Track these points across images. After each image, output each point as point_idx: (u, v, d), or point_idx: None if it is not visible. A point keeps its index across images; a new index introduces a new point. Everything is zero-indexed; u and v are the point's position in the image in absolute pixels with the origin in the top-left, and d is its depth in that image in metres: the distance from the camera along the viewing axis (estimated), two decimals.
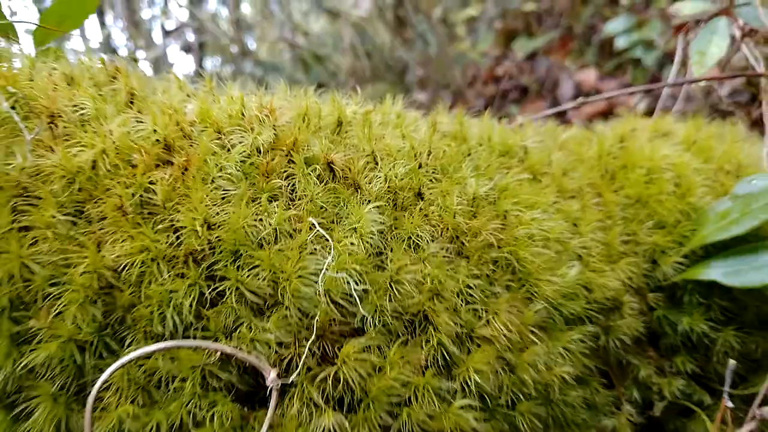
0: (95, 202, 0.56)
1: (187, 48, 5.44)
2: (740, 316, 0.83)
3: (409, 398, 0.55)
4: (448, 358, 0.58)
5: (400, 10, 5.63)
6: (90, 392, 0.48)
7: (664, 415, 0.86)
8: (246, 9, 6.86)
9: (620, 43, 3.20)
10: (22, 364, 0.52)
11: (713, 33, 1.15)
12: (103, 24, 5.23)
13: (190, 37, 5.56)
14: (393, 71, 5.90)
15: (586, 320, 0.73)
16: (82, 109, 0.64)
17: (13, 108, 0.59)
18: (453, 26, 5.89)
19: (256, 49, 6.61)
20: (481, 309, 0.61)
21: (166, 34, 5.17)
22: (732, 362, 0.73)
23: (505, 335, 0.61)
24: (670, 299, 0.84)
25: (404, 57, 5.93)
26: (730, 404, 0.73)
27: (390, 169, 0.67)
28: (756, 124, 1.20)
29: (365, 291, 0.57)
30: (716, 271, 0.78)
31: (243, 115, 0.69)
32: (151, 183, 0.57)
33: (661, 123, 1.03)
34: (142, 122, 0.64)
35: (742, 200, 0.80)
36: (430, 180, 0.70)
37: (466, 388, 0.58)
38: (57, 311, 0.52)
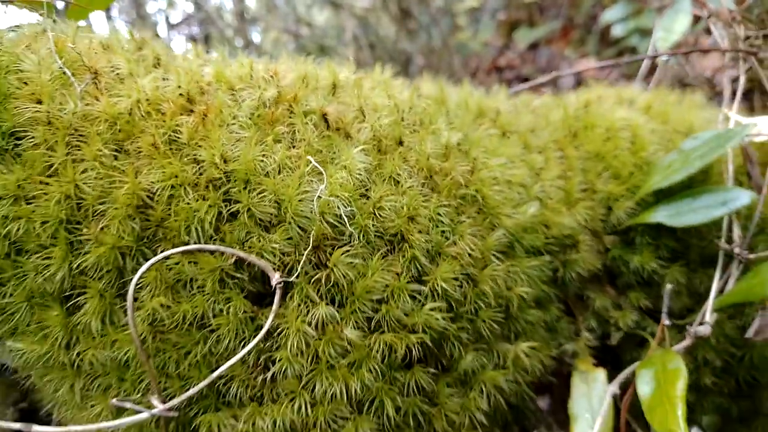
0: (132, 141, 0.70)
1: (192, 40, 5.57)
2: (685, 254, 0.96)
3: (388, 298, 0.68)
4: (420, 268, 0.71)
5: (403, 2, 5.72)
6: (130, 286, 0.62)
7: (622, 345, 0.99)
8: (250, 1, 6.96)
9: (617, 31, 3.30)
10: (76, 266, 0.65)
11: (677, 12, 1.27)
12: (109, 17, 5.36)
13: (195, 29, 5.67)
14: (396, 62, 6.00)
15: (545, 253, 0.86)
16: (118, 69, 0.77)
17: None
18: (455, 16, 5.97)
19: (261, 41, 6.71)
20: (449, 232, 0.74)
21: (172, 27, 5.30)
22: (669, 286, 0.86)
23: (468, 254, 0.74)
24: (624, 241, 0.97)
25: (407, 48, 6.02)
26: (667, 322, 0.86)
27: (375, 121, 0.80)
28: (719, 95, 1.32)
29: (352, 213, 0.70)
30: (661, 214, 0.91)
31: (251, 76, 0.83)
32: (177, 126, 0.71)
33: (625, 91, 1.16)
34: (167, 80, 0.77)
35: (685, 153, 0.93)
36: (410, 131, 0.83)
37: (435, 293, 0.71)
38: (103, 224, 0.66)
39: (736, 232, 0.95)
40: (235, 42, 5.85)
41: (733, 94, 1.24)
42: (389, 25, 6.35)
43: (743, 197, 0.85)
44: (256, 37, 6.69)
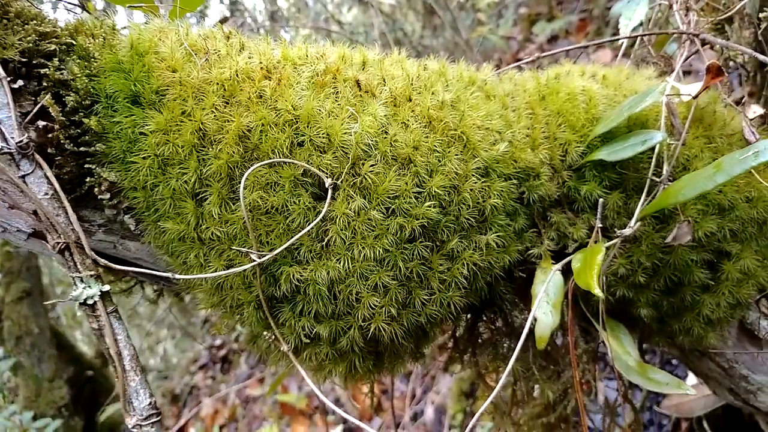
0: (235, 96, 1.10)
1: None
2: (623, 184, 1.32)
3: (399, 196, 1.07)
4: (420, 180, 1.10)
5: None
6: (240, 185, 1.02)
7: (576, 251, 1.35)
8: (282, 2, 7.38)
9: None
10: (202, 174, 1.06)
11: (637, 4, 1.63)
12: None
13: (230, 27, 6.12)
14: (422, 56, 6.34)
15: (514, 179, 1.24)
16: (219, 51, 1.18)
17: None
18: (478, 12, 6.28)
19: (292, 39, 7.14)
20: (441, 157, 1.13)
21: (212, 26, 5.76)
22: (601, 200, 1.22)
23: (455, 172, 1.13)
24: (577, 176, 1.33)
25: (432, 44, 6.36)
26: (600, 225, 1.22)
27: (392, 85, 1.19)
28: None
29: (376, 143, 1.09)
30: (603, 153, 1.28)
31: (307, 56, 1.23)
32: (263, 87, 1.11)
33: (589, 67, 1.52)
34: (252, 58, 1.18)
35: (620, 108, 1.29)
36: (417, 92, 1.22)
37: (430, 196, 1.10)
38: (219, 148, 1.06)
39: (665, 168, 1.30)
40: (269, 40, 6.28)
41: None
42: (414, 21, 6.72)
43: (657, 137, 1.22)
44: (287, 36, 7.15)
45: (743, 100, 1.61)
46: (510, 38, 5.76)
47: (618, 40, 1.63)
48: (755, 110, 1.47)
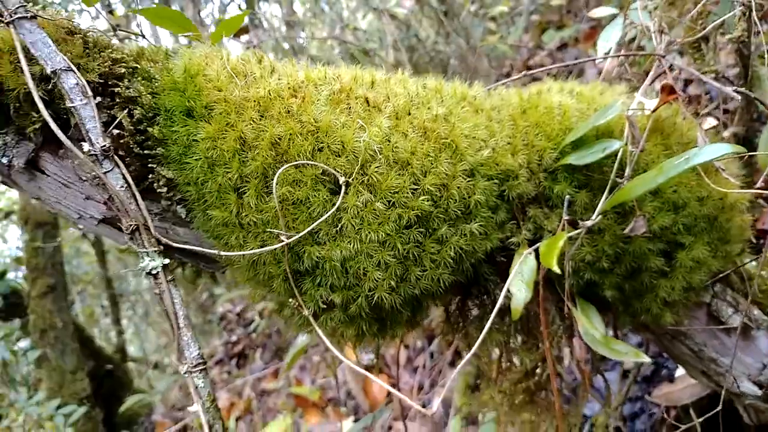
0: (269, 110, 1.41)
1: (248, 47, 6.37)
2: (590, 184, 1.60)
3: (398, 191, 1.37)
4: (416, 178, 1.40)
5: (440, 7, 6.38)
6: (273, 181, 1.33)
7: None
8: (298, 9, 7.74)
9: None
10: (242, 172, 1.37)
11: (613, 27, 1.92)
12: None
13: (247, 38, 6.51)
14: (433, 63, 6.67)
15: (496, 179, 1.53)
16: (254, 73, 1.49)
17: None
18: (492, 20, 6.55)
19: (307, 46, 7.49)
20: (433, 160, 1.43)
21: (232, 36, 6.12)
22: (567, 197, 1.51)
23: (444, 173, 1.42)
24: (551, 177, 1.62)
25: (445, 51, 6.66)
26: (567, 217, 1.50)
27: (395, 101, 1.50)
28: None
29: (380, 149, 1.39)
30: (572, 158, 1.56)
31: (326, 77, 1.53)
32: (290, 104, 1.42)
33: (568, 84, 1.81)
34: (281, 80, 1.49)
35: (588, 120, 1.58)
36: (415, 107, 1.52)
37: (424, 192, 1.40)
38: (256, 152, 1.37)
39: (627, 171, 1.59)
40: (284, 45, 6.63)
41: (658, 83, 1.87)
42: (428, 29, 7.04)
43: (616, 144, 1.50)
44: (302, 42, 7.50)
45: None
46: (520, 46, 6.03)
47: (596, 60, 1.92)
48: (710, 122, 1.74)
